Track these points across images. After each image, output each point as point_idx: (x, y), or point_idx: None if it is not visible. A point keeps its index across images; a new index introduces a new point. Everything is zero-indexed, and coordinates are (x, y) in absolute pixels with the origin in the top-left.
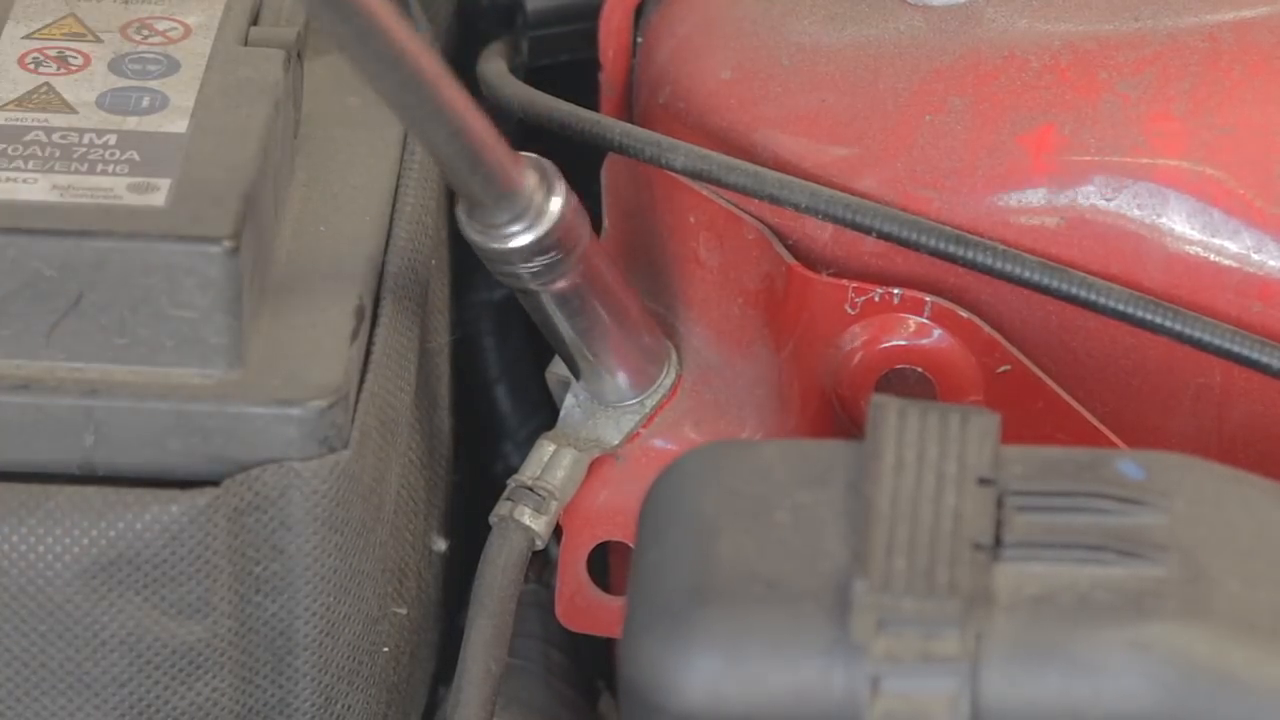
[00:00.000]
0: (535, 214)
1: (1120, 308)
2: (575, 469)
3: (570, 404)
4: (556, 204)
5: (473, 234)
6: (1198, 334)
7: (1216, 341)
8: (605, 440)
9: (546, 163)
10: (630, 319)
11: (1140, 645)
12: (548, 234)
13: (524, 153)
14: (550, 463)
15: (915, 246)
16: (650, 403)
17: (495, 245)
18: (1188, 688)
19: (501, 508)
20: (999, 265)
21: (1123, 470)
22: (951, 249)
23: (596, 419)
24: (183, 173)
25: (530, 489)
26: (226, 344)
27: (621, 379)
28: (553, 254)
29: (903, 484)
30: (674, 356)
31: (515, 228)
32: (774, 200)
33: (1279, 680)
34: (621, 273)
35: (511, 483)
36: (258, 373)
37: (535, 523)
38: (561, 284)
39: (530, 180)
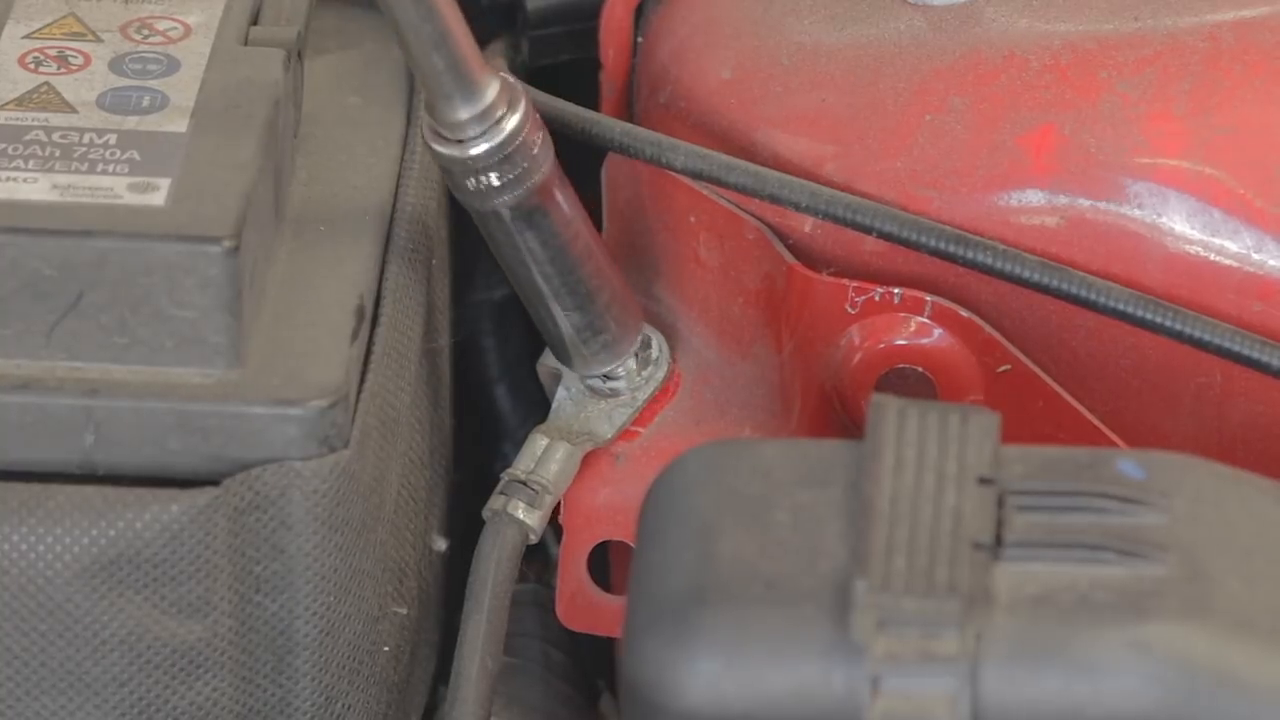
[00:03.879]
0: (496, 119)
1: (1121, 307)
2: (569, 462)
3: (562, 396)
4: (516, 115)
5: (434, 142)
6: (1198, 334)
7: (1217, 341)
8: (598, 433)
9: (515, 82)
10: (598, 267)
11: (1140, 645)
12: (507, 141)
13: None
14: (544, 456)
15: (915, 246)
16: (642, 396)
17: (455, 153)
18: (1188, 687)
19: (495, 502)
20: (999, 265)
21: (1123, 470)
22: (952, 249)
23: (588, 411)
24: (183, 172)
25: (524, 483)
26: (226, 343)
27: (594, 339)
28: (511, 166)
29: (903, 484)
30: (666, 351)
31: (474, 130)
32: (774, 200)
33: (1279, 680)
34: (593, 229)
35: (505, 477)
36: (258, 372)
37: (529, 517)
38: (523, 204)
39: (494, 85)
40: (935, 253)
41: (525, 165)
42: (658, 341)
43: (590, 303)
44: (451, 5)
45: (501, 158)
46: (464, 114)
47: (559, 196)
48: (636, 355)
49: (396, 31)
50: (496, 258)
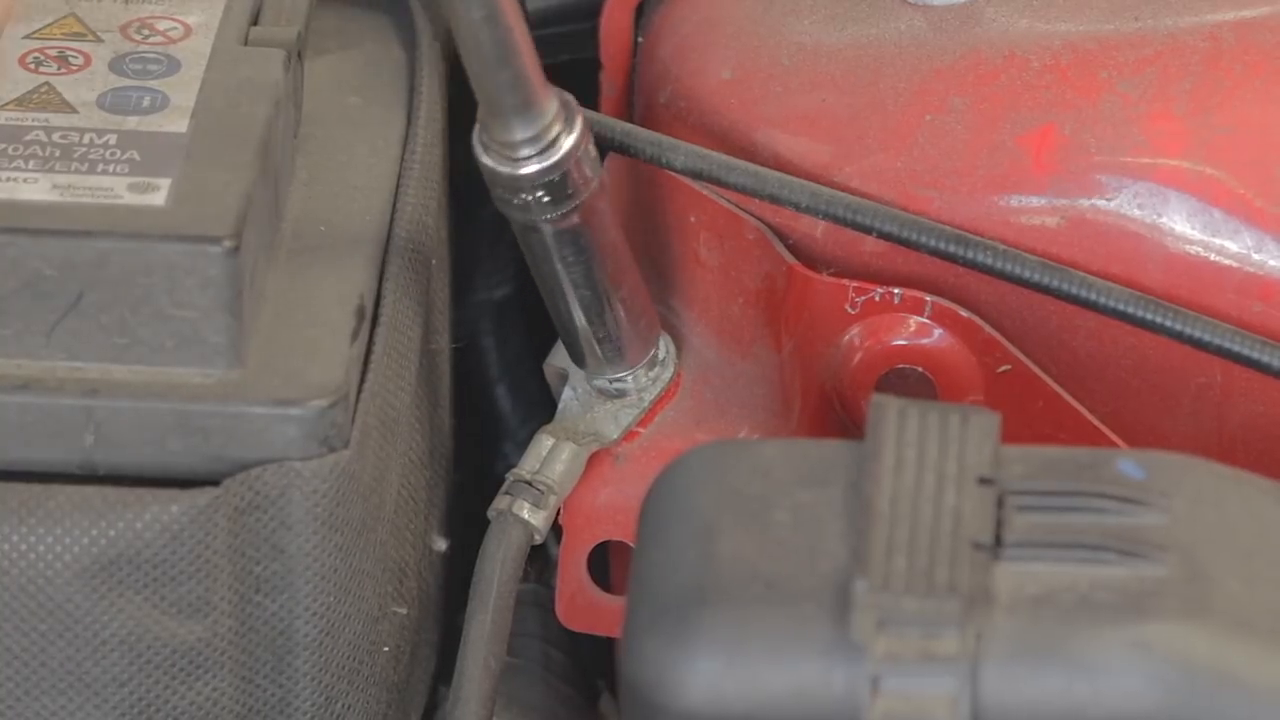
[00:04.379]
0: (551, 140)
1: (1121, 307)
2: (574, 463)
3: (568, 397)
4: (572, 136)
5: (485, 157)
6: (1198, 334)
7: (1217, 341)
8: (604, 434)
9: (571, 99)
10: (629, 281)
11: (1140, 645)
12: (560, 163)
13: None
14: (549, 457)
15: (915, 246)
16: (648, 397)
17: (505, 170)
18: (1188, 687)
19: (500, 502)
20: (999, 265)
21: (1123, 470)
22: (952, 249)
23: (594, 412)
24: (183, 173)
25: (529, 483)
26: (227, 344)
27: (613, 347)
28: (561, 186)
29: (903, 484)
30: (672, 352)
31: (528, 151)
32: (775, 200)
33: (1279, 680)
34: (625, 238)
35: (510, 477)
36: (258, 372)
37: (534, 517)
38: (566, 222)
39: (554, 104)
40: (935, 253)
41: (574, 188)
42: (665, 343)
43: (615, 316)
44: (520, 20)
45: (552, 179)
46: (520, 134)
47: (601, 212)
48: None
49: (460, 43)
50: (526, 260)
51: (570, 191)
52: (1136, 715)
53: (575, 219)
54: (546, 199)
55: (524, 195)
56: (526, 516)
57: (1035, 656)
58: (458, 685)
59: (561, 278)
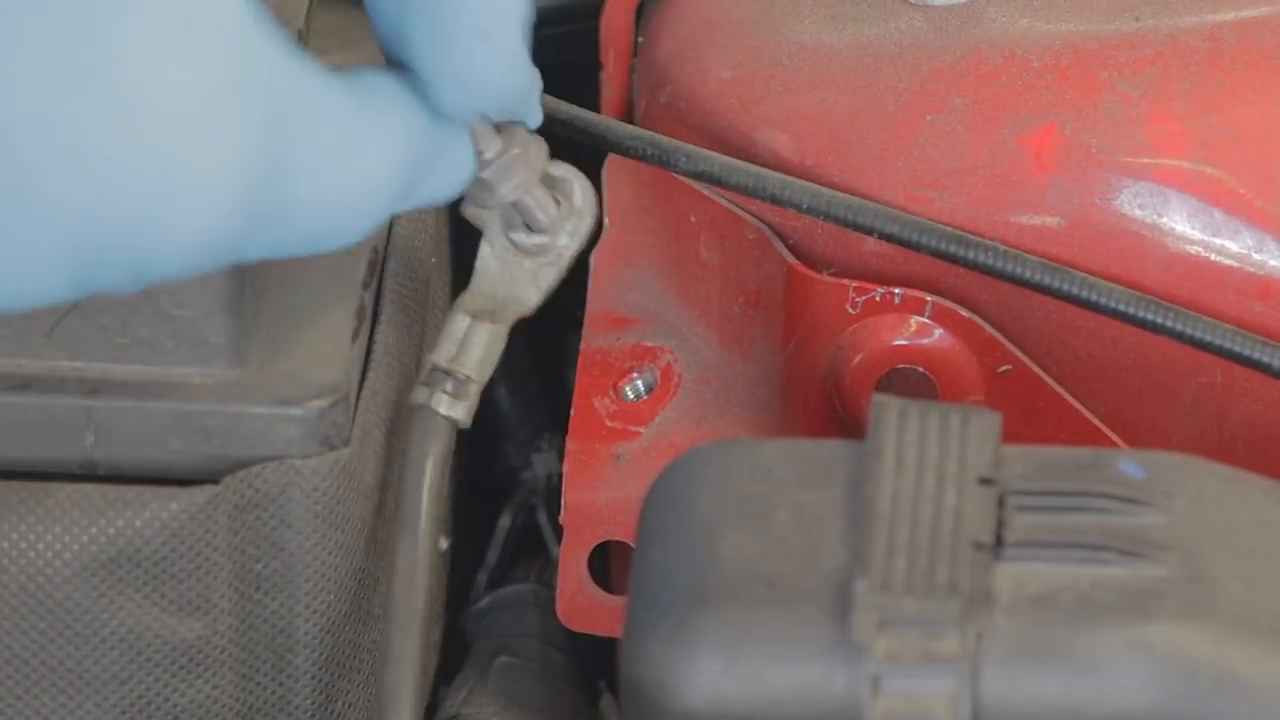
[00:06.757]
0: None
1: (1122, 308)
2: (492, 345)
3: (485, 254)
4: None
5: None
6: (1199, 334)
7: (1218, 341)
8: (524, 299)
9: None
10: None
11: (1141, 645)
12: None
13: None
14: (466, 339)
15: (916, 247)
16: (567, 252)
17: None
18: (1189, 687)
19: (418, 394)
20: (1000, 265)
21: (1124, 470)
22: (953, 249)
23: (513, 272)
24: None
25: (446, 371)
26: (227, 343)
27: None
28: None
29: (903, 484)
30: (590, 198)
31: None
32: (776, 201)
33: (1279, 680)
34: None
35: (427, 364)
36: (258, 372)
37: (454, 410)
38: None
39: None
40: (936, 254)
41: None
42: (581, 186)
43: None
44: None
45: None
46: None
47: None
48: (558, 202)
49: None
50: None
51: None
52: (1137, 715)
53: None
54: None
55: None
56: (445, 411)
57: (1036, 656)
58: (386, 634)
59: None
